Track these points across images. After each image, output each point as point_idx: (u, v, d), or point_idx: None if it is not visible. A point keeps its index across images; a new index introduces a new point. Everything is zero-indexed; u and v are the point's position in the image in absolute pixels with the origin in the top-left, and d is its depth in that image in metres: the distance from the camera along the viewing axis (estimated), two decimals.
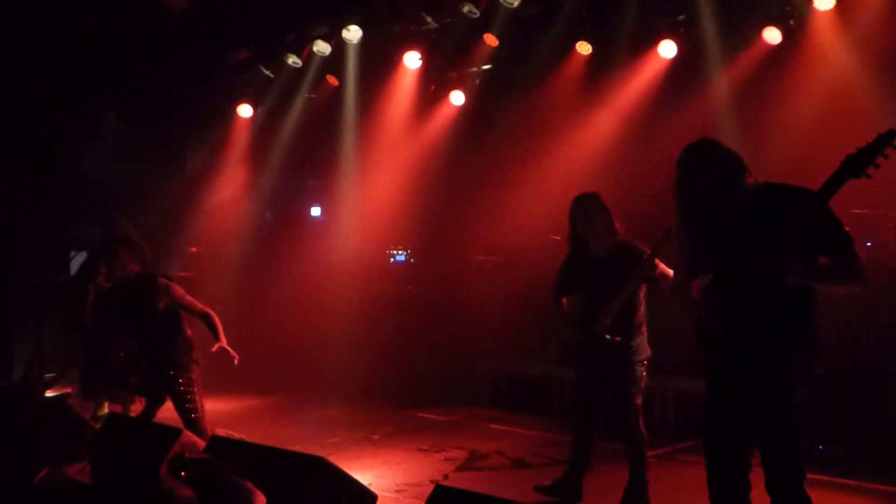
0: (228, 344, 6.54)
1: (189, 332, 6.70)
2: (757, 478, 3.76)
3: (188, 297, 6.64)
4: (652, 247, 5.47)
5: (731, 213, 3.69)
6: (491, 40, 9.32)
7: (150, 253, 8.13)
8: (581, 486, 5.98)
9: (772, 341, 3.61)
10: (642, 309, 5.80)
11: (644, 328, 5.81)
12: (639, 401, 5.77)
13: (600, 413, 5.94)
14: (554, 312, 6.07)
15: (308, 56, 10.47)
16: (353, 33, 9.88)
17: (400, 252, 11.43)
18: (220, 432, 6.49)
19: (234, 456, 5.06)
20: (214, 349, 6.49)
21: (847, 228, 3.61)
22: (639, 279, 5.59)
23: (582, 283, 5.89)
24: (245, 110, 11.77)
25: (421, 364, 10.30)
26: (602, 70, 9.20)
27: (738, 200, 3.66)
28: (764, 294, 3.56)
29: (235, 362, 6.49)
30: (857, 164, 3.38)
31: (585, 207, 5.77)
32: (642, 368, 5.78)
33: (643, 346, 5.79)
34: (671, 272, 5.53)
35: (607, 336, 5.62)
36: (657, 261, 5.51)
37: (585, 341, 5.76)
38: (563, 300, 6.04)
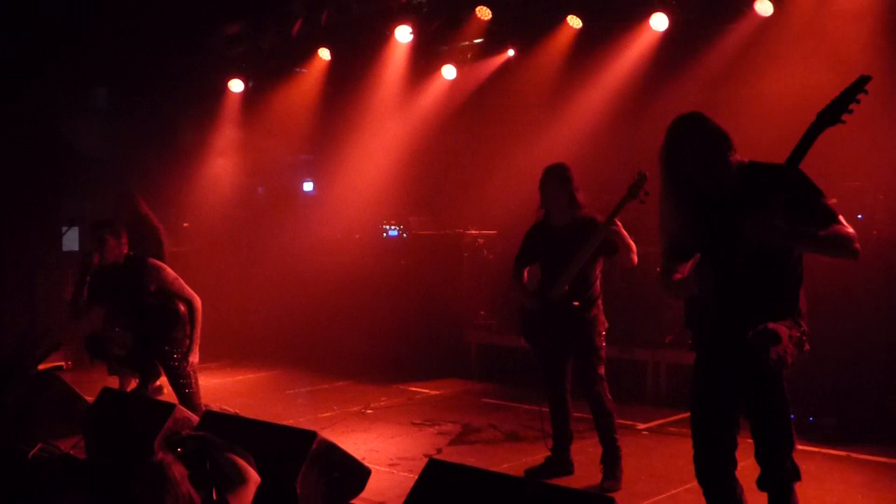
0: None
1: (182, 308, 6.73)
2: (747, 449, 3.79)
3: (178, 282, 6.73)
4: (626, 191, 5.48)
5: (715, 188, 3.71)
6: (483, 13, 9.28)
7: (163, 228, 8.18)
8: (570, 459, 6.03)
9: (759, 314, 3.62)
10: (598, 283, 5.84)
11: (600, 302, 5.85)
12: (602, 370, 5.81)
13: (568, 383, 5.97)
14: (512, 282, 6.07)
15: (299, 30, 10.41)
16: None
17: (393, 227, 11.42)
18: (213, 407, 6.54)
19: (227, 431, 5.09)
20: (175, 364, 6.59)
21: (833, 200, 3.64)
22: (595, 244, 5.60)
23: (541, 253, 5.93)
24: (236, 85, 11.72)
25: (414, 338, 10.32)
26: (593, 43, 9.18)
27: (721, 176, 3.69)
28: (750, 267, 3.58)
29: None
30: (831, 113, 3.44)
31: (550, 178, 5.80)
32: (601, 339, 5.82)
33: (600, 318, 5.83)
34: (631, 241, 5.60)
35: (564, 302, 5.65)
36: (619, 226, 5.55)
37: (542, 310, 5.79)
38: (525, 272, 6.06)
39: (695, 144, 3.69)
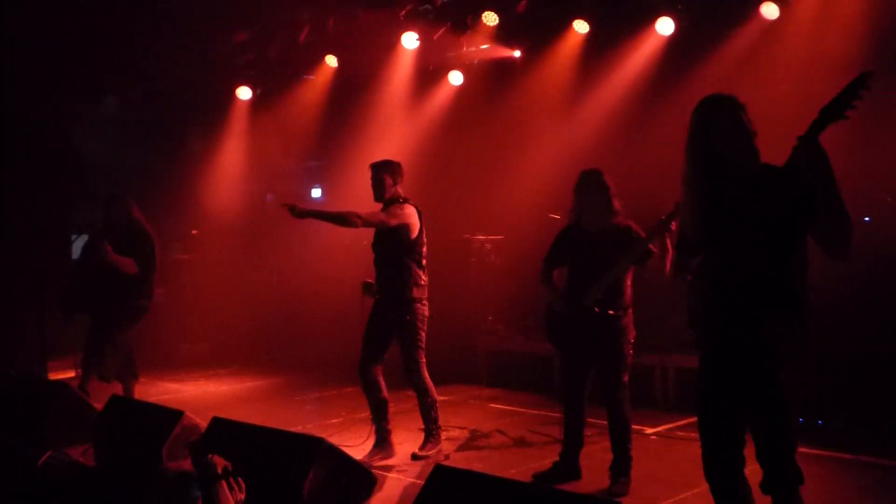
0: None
1: (421, 274, 6.81)
2: (750, 453, 3.78)
3: (385, 218, 6.60)
4: (658, 221, 5.43)
5: (736, 177, 3.71)
6: (489, 19, 9.29)
7: (156, 234, 8.19)
8: (578, 465, 6.03)
9: (759, 311, 3.62)
10: (629, 291, 5.82)
11: (631, 310, 5.84)
12: (626, 378, 5.81)
13: (587, 390, 5.97)
14: (542, 283, 6.04)
15: (306, 37, 10.45)
16: None
17: None
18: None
19: (235, 438, 5.10)
20: None
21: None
22: (636, 254, 5.60)
23: (572, 257, 5.91)
24: (244, 92, 11.76)
25: None
26: (599, 48, 9.18)
27: (747, 152, 3.71)
28: (755, 260, 3.58)
29: None
30: (834, 109, 3.45)
31: (587, 182, 5.80)
32: (629, 347, 5.81)
33: (630, 327, 5.82)
34: (670, 245, 5.57)
35: (597, 309, 5.64)
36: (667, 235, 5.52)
37: (573, 315, 5.78)
38: (555, 273, 6.04)
39: (724, 118, 3.72)
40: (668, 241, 5.50)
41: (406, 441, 7.26)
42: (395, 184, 6.79)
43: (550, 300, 5.98)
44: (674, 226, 5.27)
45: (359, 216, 6.42)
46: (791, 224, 3.60)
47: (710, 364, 3.85)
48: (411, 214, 6.71)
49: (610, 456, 5.87)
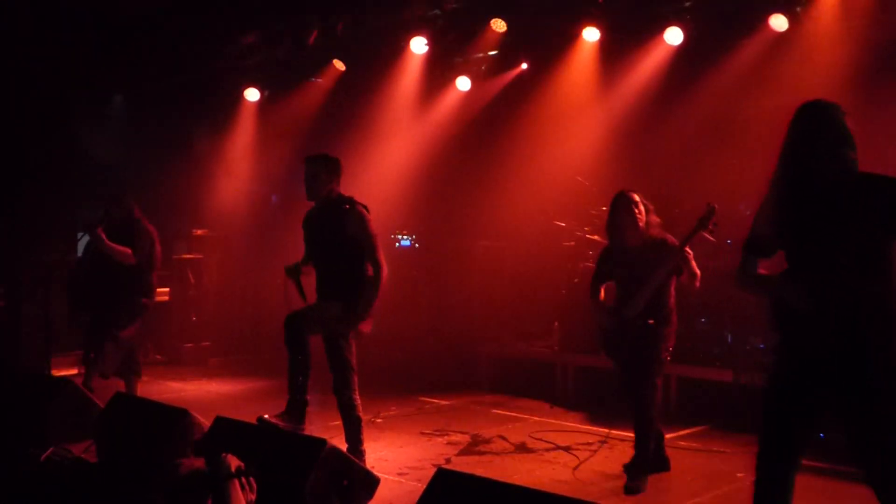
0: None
1: (370, 271, 6.53)
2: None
3: (376, 241, 6.41)
4: (696, 223, 5.60)
5: (837, 184, 3.59)
6: (498, 26, 9.32)
7: (157, 233, 8.21)
8: (665, 455, 6.15)
9: (868, 331, 3.51)
10: (672, 301, 5.93)
11: (674, 319, 5.94)
12: (659, 382, 5.90)
13: None
14: (590, 301, 6.19)
15: (315, 40, 10.47)
16: None
17: (405, 237, 11.44)
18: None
19: (238, 438, 5.11)
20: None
21: None
22: (671, 264, 5.73)
23: (616, 272, 6.06)
24: (252, 94, 11.79)
25: (425, 348, 10.32)
26: (608, 57, 9.19)
27: (847, 170, 3.59)
28: (856, 276, 3.49)
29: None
30: None
31: (627, 201, 5.94)
32: (667, 354, 5.92)
33: (671, 336, 5.93)
34: (697, 269, 5.73)
35: (639, 319, 5.78)
36: (690, 253, 5.67)
37: (618, 327, 5.92)
38: (602, 290, 6.16)
39: (832, 118, 3.62)
40: (695, 265, 5.71)
41: (407, 445, 7.27)
42: (330, 181, 6.55)
43: (598, 316, 6.14)
44: (710, 226, 5.53)
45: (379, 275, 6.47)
46: (890, 235, 3.53)
47: (793, 371, 3.71)
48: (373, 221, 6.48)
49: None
